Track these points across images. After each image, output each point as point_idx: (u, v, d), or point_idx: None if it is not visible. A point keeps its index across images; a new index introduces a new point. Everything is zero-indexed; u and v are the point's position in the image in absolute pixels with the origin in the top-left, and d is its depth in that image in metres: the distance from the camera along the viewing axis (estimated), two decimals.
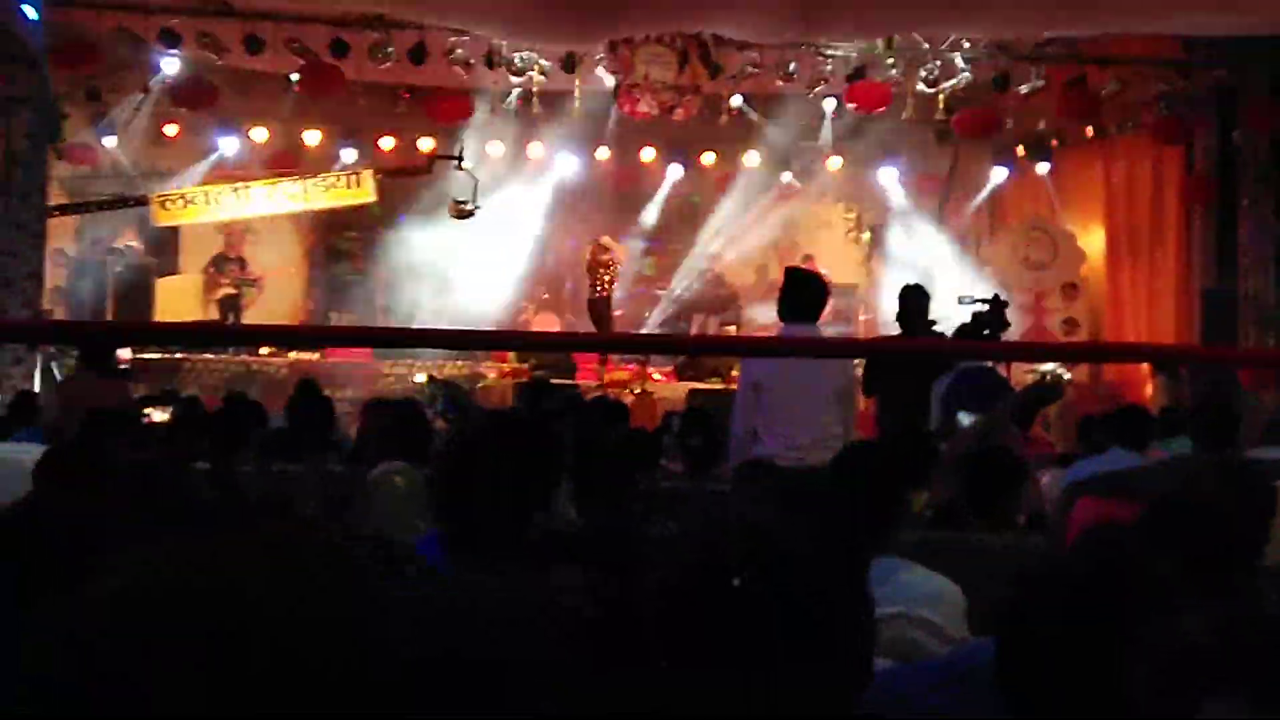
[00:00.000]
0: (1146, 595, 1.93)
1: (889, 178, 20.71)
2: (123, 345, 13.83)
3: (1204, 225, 16.91)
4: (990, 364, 8.80)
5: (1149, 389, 16.57)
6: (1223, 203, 16.38)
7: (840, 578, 1.97)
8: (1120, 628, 1.90)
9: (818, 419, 7.31)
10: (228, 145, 19.14)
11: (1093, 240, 19.40)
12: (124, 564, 0.94)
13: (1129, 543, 2.10)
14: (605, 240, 19.40)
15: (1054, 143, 19.53)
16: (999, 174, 20.34)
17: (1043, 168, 19.66)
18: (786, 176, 20.81)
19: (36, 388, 13.78)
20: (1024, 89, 17.05)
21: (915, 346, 8.88)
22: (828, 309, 8.21)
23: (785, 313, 7.72)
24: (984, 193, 20.74)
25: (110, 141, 18.42)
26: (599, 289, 19.04)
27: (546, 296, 21.30)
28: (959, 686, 2.84)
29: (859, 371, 8.82)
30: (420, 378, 16.60)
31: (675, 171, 20.69)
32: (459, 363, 17.54)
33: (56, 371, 14.98)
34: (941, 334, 10.12)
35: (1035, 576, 2.15)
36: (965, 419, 7.67)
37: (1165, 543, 2.26)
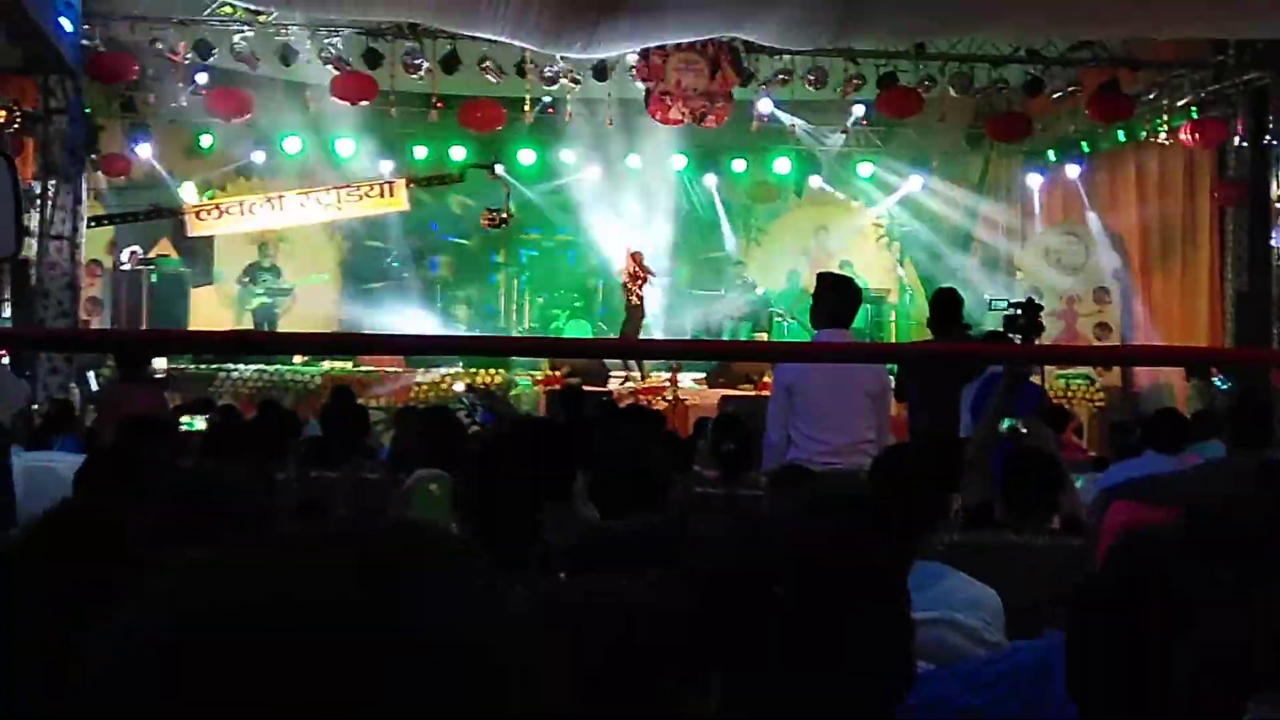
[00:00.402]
0: (1195, 597, 1.94)
1: (920, 182, 20.70)
2: (159, 354, 13.92)
3: (1236, 228, 16.83)
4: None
5: (1182, 393, 16.50)
6: (1255, 205, 16.30)
7: (883, 582, 1.98)
8: (1172, 630, 1.92)
9: (851, 423, 7.29)
10: (261, 155, 19.22)
11: (1126, 244, 19.33)
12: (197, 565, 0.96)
13: (1170, 546, 2.10)
14: (637, 251, 19.36)
15: (1085, 146, 19.48)
16: (1032, 178, 20.30)
17: (1074, 171, 19.59)
18: (817, 182, 20.82)
19: (73, 397, 13.88)
20: (1055, 93, 17.05)
21: (948, 351, 8.87)
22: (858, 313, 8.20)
23: (818, 318, 7.71)
24: (1014, 194, 20.74)
25: (145, 152, 18.52)
26: (633, 298, 19.02)
27: (579, 304, 21.34)
28: (996, 689, 2.85)
29: (893, 377, 8.80)
30: (459, 386, 16.65)
31: (707, 179, 20.73)
32: (493, 371, 17.56)
33: (93, 381, 15.09)
34: (975, 338, 10.10)
35: (1096, 578, 2.17)
36: (1006, 424, 7.66)
37: (1207, 546, 2.27)
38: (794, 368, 7.58)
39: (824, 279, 8.05)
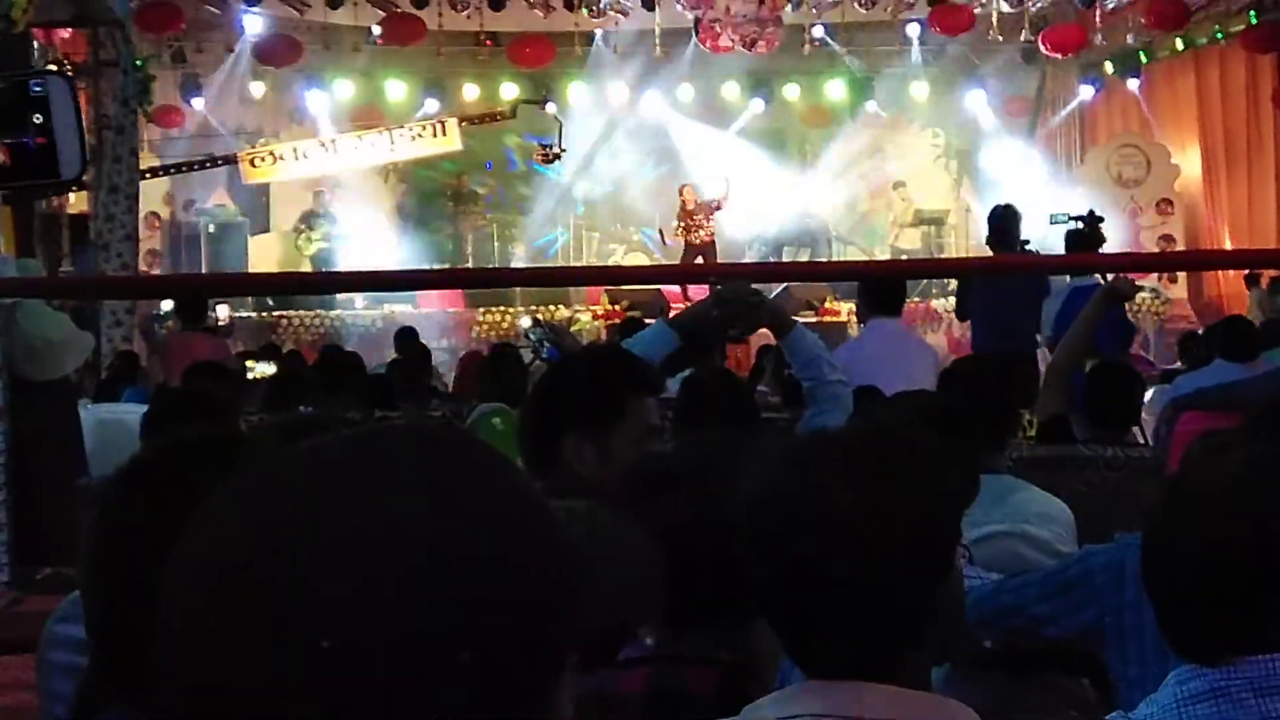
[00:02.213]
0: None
1: (976, 101, 20.46)
2: (219, 297, 13.99)
3: None
4: (1102, 281, 8.61)
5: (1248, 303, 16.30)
6: None
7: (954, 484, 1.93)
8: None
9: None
10: (313, 101, 19.24)
11: (1187, 154, 19.08)
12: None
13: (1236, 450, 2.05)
14: (686, 185, 18.97)
15: (1143, 56, 19.19)
16: (1088, 91, 20.02)
17: (1133, 83, 19.32)
18: (871, 105, 20.62)
19: (137, 349, 13.96)
20: (1110, 3, 16.78)
21: (1009, 265, 8.80)
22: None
23: (866, 309, 7.56)
24: (1072, 108, 20.46)
25: (198, 102, 18.58)
26: (696, 235, 18.55)
27: (636, 238, 21.25)
28: (1069, 595, 2.84)
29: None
30: (525, 322, 16.63)
31: (758, 105, 20.52)
32: (551, 307, 17.56)
33: (157, 332, 15.19)
34: (1034, 253, 9.98)
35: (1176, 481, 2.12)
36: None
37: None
38: (843, 356, 7.39)
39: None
